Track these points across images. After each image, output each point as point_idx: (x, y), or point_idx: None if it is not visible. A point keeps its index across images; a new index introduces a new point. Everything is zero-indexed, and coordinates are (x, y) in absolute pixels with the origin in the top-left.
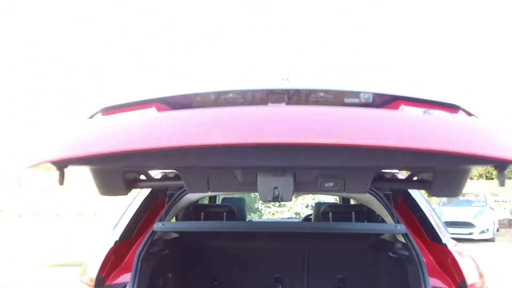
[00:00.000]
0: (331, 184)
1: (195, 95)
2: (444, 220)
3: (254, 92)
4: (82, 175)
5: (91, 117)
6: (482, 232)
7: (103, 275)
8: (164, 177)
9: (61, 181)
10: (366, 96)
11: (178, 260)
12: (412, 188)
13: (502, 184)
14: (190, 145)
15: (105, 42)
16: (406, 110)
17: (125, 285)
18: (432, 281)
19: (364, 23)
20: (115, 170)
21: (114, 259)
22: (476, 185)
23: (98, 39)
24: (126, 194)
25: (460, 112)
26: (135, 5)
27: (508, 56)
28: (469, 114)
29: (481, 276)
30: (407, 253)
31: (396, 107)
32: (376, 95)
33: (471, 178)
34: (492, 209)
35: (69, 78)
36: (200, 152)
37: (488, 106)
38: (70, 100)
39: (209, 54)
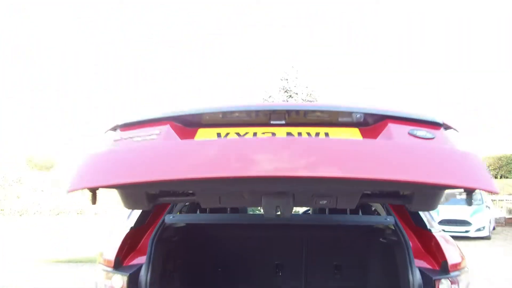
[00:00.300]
0: (325, 201)
1: (205, 114)
2: (441, 218)
3: (258, 112)
4: None
5: (112, 129)
6: (478, 230)
7: (121, 257)
8: (182, 193)
9: (94, 201)
10: (358, 115)
11: (186, 247)
12: (395, 203)
13: (469, 204)
14: (206, 177)
15: (105, 42)
16: (390, 139)
17: (141, 266)
18: (418, 262)
19: (364, 23)
20: (140, 191)
21: (130, 243)
22: None
23: (98, 39)
24: (149, 208)
25: (441, 130)
26: (135, 5)
27: (508, 56)
28: (449, 127)
29: (462, 258)
30: (395, 239)
31: (385, 125)
32: (367, 115)
33: None
34: (489, 207)
35: (69, 78)
36: (214, 181)
37: (488, 106)
38: (70, 100)
39: (209, 54)
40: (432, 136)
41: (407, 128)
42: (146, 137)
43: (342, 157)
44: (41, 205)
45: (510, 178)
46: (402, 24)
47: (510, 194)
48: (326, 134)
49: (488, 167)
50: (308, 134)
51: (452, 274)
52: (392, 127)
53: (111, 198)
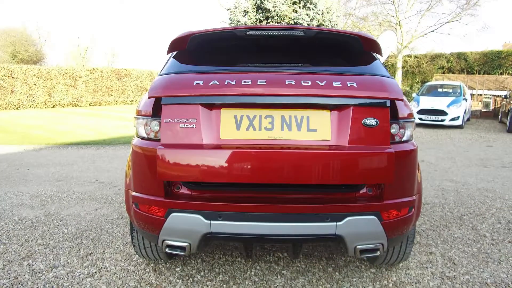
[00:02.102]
0: None
1: (225, 103)
2: (420, 108)
3: (262, 102)
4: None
5: (150, 97)
6: (453, 119)
7: (157, 108)
8: None
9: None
10: (332, 105)
11: None
12: None
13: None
14: (250, 182)
15: None
16: (349, 118)
17: None
18: None
19: None
20: None
21: None
22: (456, 78)
23: None
24: None
25: (387, 110)
26: None
27: None
28: (397, 99)
29: (410, 112)
30: None
31: (349, 107)
32: (338, 103)
33: (453, 72)
34: (466, 99)
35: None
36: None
37: (482, 4)
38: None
39: None
40: (376, 124)
41: (364, 111)
42: (188, 124)
43: (311, 169)
44: (36, 98)
45: (492, 74)
46: None
47: (489, 89)
48: (308, 117)
49: (473, 62)
50: (295, 117)
51: (401, 121)
52: (353, 109)
53: (101, 91)
